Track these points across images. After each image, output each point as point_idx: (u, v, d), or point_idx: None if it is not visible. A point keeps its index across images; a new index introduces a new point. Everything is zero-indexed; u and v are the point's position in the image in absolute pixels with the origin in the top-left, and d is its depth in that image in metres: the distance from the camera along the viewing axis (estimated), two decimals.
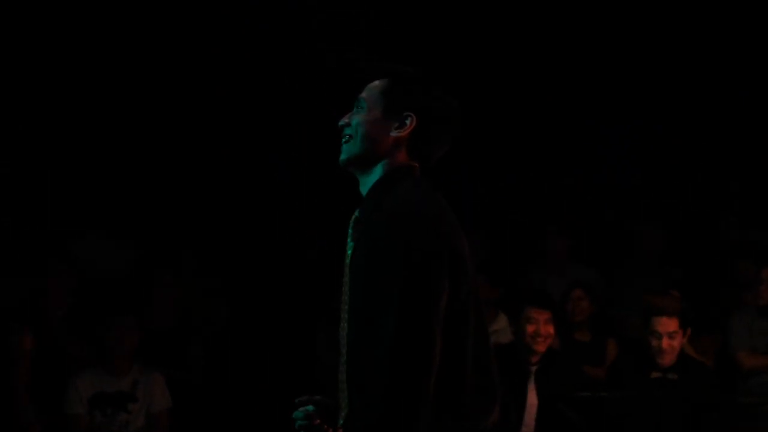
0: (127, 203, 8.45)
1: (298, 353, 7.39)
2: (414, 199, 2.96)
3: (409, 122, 3.07)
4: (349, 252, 3.00)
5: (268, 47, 8.59)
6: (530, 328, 6.46)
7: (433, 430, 2.78)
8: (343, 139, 3.13)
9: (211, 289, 7.82)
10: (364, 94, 3.15)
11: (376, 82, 3.15)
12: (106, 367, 6.55)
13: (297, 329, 7.56)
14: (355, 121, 3.12)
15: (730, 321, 7.56)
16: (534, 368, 6.52)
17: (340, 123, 3.15)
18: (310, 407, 3.06)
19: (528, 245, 9.15)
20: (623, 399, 6.04)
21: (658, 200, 9.32)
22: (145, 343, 6.69)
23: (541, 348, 6.48)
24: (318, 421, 3.03)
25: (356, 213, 3.06)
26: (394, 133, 3.08)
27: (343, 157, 3.13)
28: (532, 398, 6.49)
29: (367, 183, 3.09)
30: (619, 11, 9.25)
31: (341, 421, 2.92)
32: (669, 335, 6.49)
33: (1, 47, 8.20)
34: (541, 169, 9.49)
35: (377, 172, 3.08)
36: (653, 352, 6.52)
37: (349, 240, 3.02)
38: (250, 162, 8.79)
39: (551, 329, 6.49)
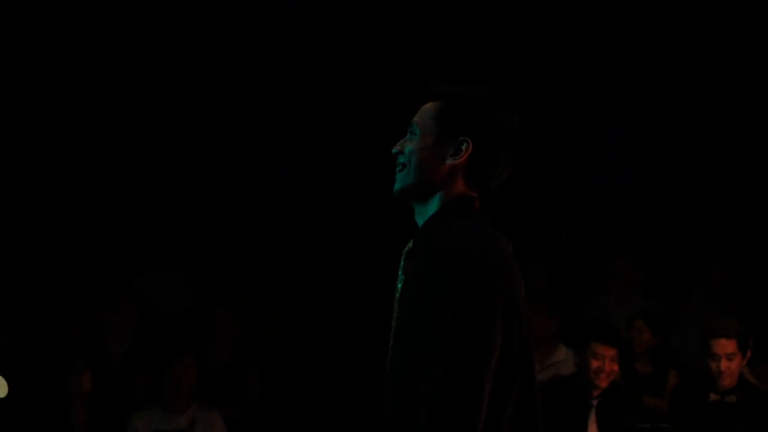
0: (184, 235, 8.49)
1: (356, 385, 7.38)
2: (472, 237, 2.78)
3: (465, 148, 2.89)
4: (399, 285, 2.87)
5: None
6: (595, 364, 6.43)
7: None
8: (397, 168, 2.96)
9: (270, 320, 7.84)
10: (416, 118, 2.97)
11: (429, 105, 2.97)
12: (164, 405, 6.59)
13: (355, 361, 7.56)
14: (408, 149, 2.94)
15: None
16: (596, 401, 6.48)
17: (393, 150, 2.98)
18: None
19: (589, 273, 9.11)
20: (684, 428, 5.98)
21: (714, 221, 9.23)
22: (203, 381, 6.71)
23: (603, 384, 6.46)
24: None
25: (410, 245, 2.90)
26: (449, 161, 2.90)
27: (397, 186, 2.96)
28: (592, 431, 6.45)
29: (423, 214, 2.92)
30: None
31: None
32: (727, 356, 6.44)
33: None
34: (598, 190, 9.43)
35: (434, 204, 2.90)
36: (713, 375, 6.46)
37: (400, 273, 2.89)
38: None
39: (616, 367, 6.47)
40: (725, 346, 6.47)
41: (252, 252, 8.54)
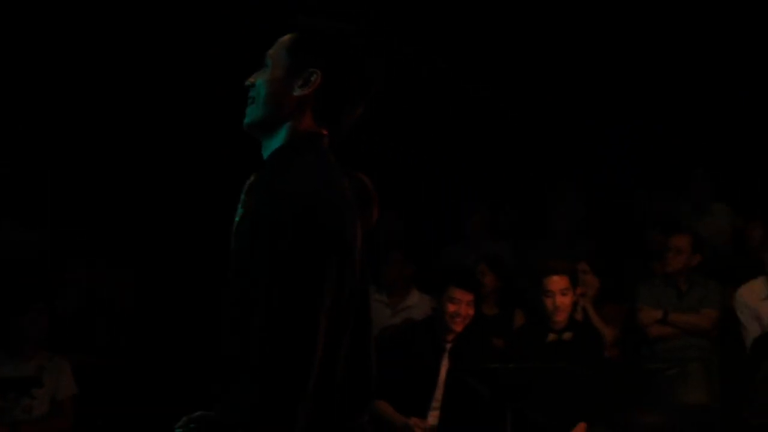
0: (37, 191, 8.37)
1: (205, 332, 7.38)
2: (311, 177, 2.71)
3: (314, 79, 2.80)
4: (237, 219, 2.80)
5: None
6: (452, 308, 6.52)
7: (307, 426, 2.60)
8: (248, 102, 2.87)
9: (120, 269, 7.79)
10: (271, 51, 2.88)
11: (285, 37, 2.88)
12: (10, 351, 6.51)
13: (203, 307, 7.55)
14: (259, 81, 2.86)
15: (637, 289, 7.67)
16: (449, 345, 6.58)
17: (246, 83, 2.89)
18: (192, 425, 2.84)
19: (443, 220, 9.21)
20: (527, 369, 6.10)
21: (572, 173, 9.41)
22: (52, 329, 6.65)
23: (459, 328, 6.56)
24: None
25: (252, 178, 2.83)
26: (297, 92, 2.81)
27: (246, 120, 2.87)
28: (443, 372, 6.55)
29: (269, 147, 2.85)
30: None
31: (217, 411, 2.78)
32: (561, 292, 6.62)
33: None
34: (459, 142, 9.53)
35: (280, 137, 2.83)
36: (548, 313, 6.63)
37: (240, 206, 2.81)
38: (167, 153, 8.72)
39: (472, 311, 6.57)
40: (558, 282, 6.65)
41: (102, 203, 8.47)
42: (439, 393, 6.56)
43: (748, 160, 9.62)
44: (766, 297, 7.15)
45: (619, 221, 9.14)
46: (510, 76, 9.50)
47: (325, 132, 2.85)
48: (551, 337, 6.68)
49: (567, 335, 6.67)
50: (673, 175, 9.41)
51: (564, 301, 6.64)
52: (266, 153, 2.85)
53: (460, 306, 6.53)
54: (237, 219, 2.81)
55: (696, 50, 9.45)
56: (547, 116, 9.61)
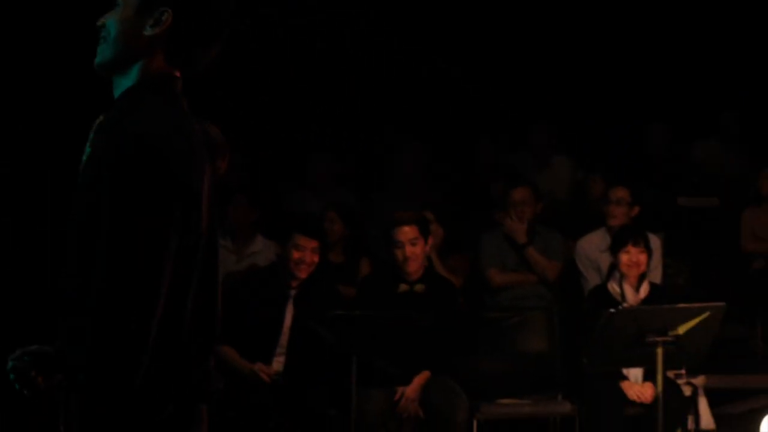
0: None
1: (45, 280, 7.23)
2: (162, 120, 2.67)
3: (165, 18, 2.75)
4: (84, 158, 2.77)
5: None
6: (296, 255, 6.52)
7: (150, 370, 2.58)
8: (100, 41, 2.82)
9: None
10: None
11: None
12: None
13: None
14: (109, 21, 2.81)
15: (480, 239, 7.76)
16: (293, 291, 6.58)
17: (97, 24, 2.83)
18: (26, 358, 2.77)
19: (288, 166, 9.18)
20: (375, 317, 6.14)
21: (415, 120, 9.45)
22: None
23: (303, 275, 6.56)
24: (33, 373, 2.76)
25: (101, 118, 2.79)
26: (148, 32, 2.76)
27: (97, 60, 2.82)
28: (288, 319, 6.56)
29: (120, 87, 2.80)
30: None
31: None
32: (411, 242, 6.65)
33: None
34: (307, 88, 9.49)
35: (131, 77, 2.78)
36: (399, 264, 6.66)
37: (87, 145, 2.78)
38: None
39: (316, 258, 6.58)
40: (407, 232, 6.68)
41: None
42: (284, 339, 6.57)
43: (589, 113, 9.80)
44: (606, 249, 7.31)
45: (463, 171, 9.22)
46: (353, 24, 9.47)
47: (177, 74, 2.82)
48: (403, 287, 6.72)
49: (419, 287, 6.72)
50: (515, 127, 9.53)
51: (414, 251, 6.67)
52: (117, 91, 2.81)
53: (305, 253, 6.53)
54: (84, 158, 2.77)
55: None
56: (391, 64, 9.61)
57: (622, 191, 7.63)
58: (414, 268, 6.70)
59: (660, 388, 5.77)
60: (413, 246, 6.66)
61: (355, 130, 9.50)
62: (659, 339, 5.71)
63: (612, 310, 6.09)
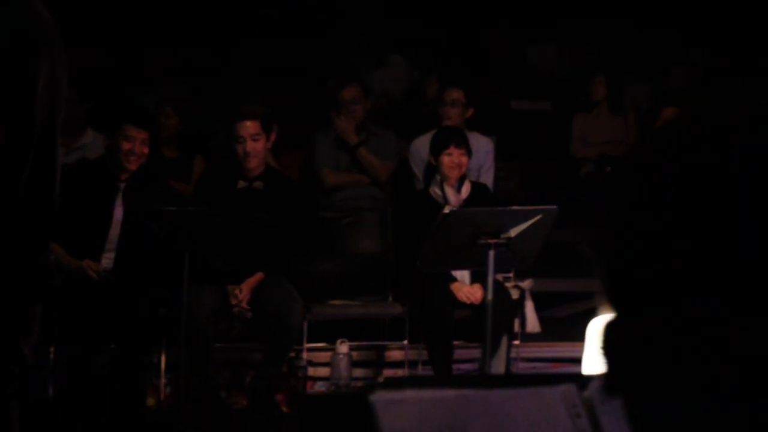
0: None
1: None
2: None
3: None
4: None
5: None
6: (126, 146, 6.38)
7: None
8: None
9: None
10: None
11: None
12: None
13: None
14: None
15: (314, 138, 7.70)
16: (123, 185, 6.44)
17: None
18: None
19: (124, 60, 8.96)
20: (210, 213, 6.05)
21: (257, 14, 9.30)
22: None
23: (133, 166, 6.42)
24: None
25: None
26: None
27: None
28: (118, 214, 6.42)
29: None
30: None
31: None
32: (252, 138, 6.56)
33: None
34: None
35: None
36: (239, 159, 6.58)
37: None
38: None
39: (146, 149, 6.44)
40: (249, 127, 6.59)
41: None
42: (113, 234, 6.43)
43: (426, 14, 9.77)
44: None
45: (299, 68, 9.12)
46: None
47: None
48: (241, 184, 6.63)
49: (258, 184, 6.63)
50: (353, 25, 9.45)
51: (255, 147, 6.58)
52: None
53: (135, 144, 6.39)
54: None
55: None
56: None
57: (456, 92, 7.64)
58: (254, 164, 6.61)
59: (489, 290, 5.83)
60: (255, 142, 6.57)
61: (192, 24, 9.30)
62: (492, 241, 5.75)
63: (446, 211, 6.11)
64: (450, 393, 1.70)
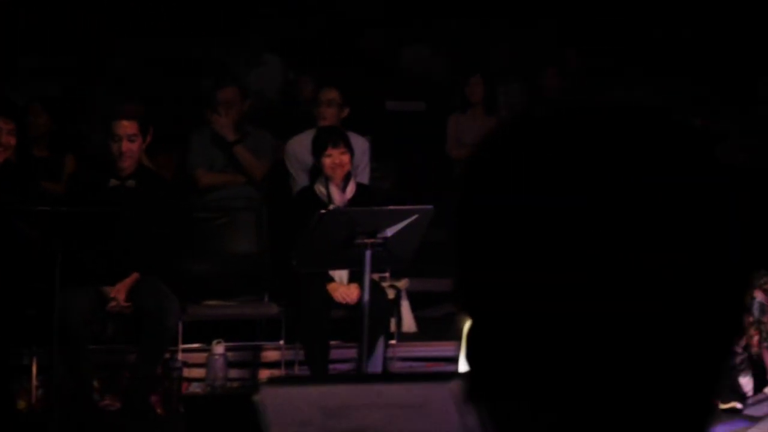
0: None
1: None
2: None
3: None
4: None
5: None
6: None
7: None
8: None
9: None
10: None
11: None
12: None
13: None
14: None
15: (189, 138, 7.63)
16: None
17: None
18: None
19: None
20: (81, 212, 5.94)
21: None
22: None
23: None
24: None
25: None
26: None
27: None
28: None
29: None
30: None
31: None
32: (129, 138, 6.46)
33: None
34: None
35: None
36: (114, 158, 6.48)
37: None
38: None
39: (13, 141, 6.33)
40: (127, 127, 6.50)
41: None
42: None
43: (299, 14, 9.74)
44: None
45: (175, 70, 9.01)
46: None
47: None
48: (113, 182, 6.52)
49: (131, 183, 6.53)
50: (228, 24, 9.37)
51: (131, 147, 6.48)
52: None
53: (0, 134, 6.27)
54: None
55: None
56: None
57: (332, 92, 7.63)
58: (128, 164, 6.52)
59: (366, 290, 5.83)
60: (131, 142, 6.48)
61: (67, 23, 9.14)
62: (368, 241, 5.76)
63: (322, 211, 6.10)
64: (337, 389, 1.69)
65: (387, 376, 1.67)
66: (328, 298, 6.52)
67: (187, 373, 6.49)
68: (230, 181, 7.55)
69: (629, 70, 10.16)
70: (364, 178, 7.51)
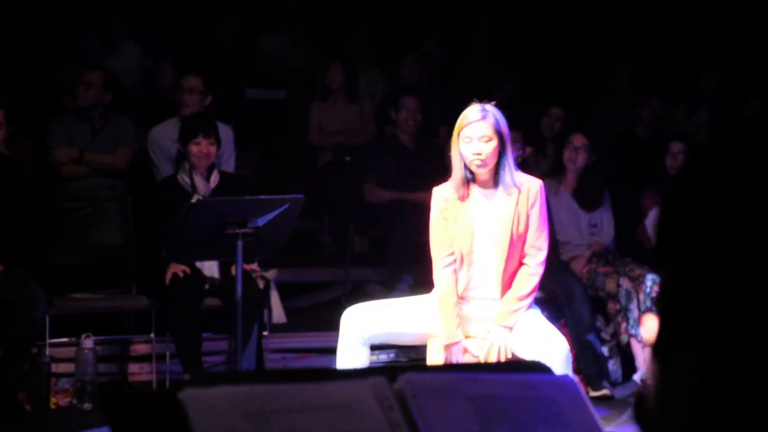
0: None
1: None
2: None
3: None
4: None
5: None
6: None
7: None
8: None
9: None
10: None
11: None
12: None
13: None
14: None
15: (50, 126, 7.46)
16: None
17: None
18: None
19: None
20: None
21: None
22: None
23: None
24: None
25: None
26: None
27: None
28: None
29: None
30: None
31: None
32: None
33: None
34: None
35: None
36: None
37: None
38: None
39: None
40: None
41: None
42: None
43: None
44: (177, 139, 7.21)
45: (30, 56, 8.78)
46: None
47: None
48: None
49: None
50: (84, 10, 9.18)
51: None
52: None
53: None
54: None
55: None
56: None
57: (194, 80, 7.56)
58: None
59: (239, 281, 5.76)
60: None
61: None
62: (239, 231, 5.69)
63: (192, 201, 6.02)
64: (260, 388, 1.66)
65: (314, 374, 1.64)
66: (198, 289, 6.44)
67: (55, 368, 6.34)
68: (93, 171, 7.41)
69: (485, 60, 10.30)
70: (230, 165, 7.45)
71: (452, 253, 5.19)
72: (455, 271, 5.19)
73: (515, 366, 2.11)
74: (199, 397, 1.64)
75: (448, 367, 3.19)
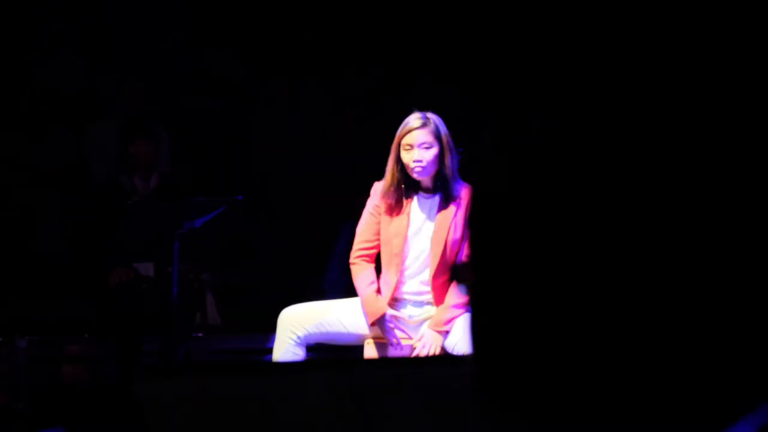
0: None
1: None
2: None
3: None
4: None
5: None
6: None
7: None
8: None
9: None
10: None
11: None
12: None
13: None
14: None
15: None
16: None
17: None
18: None
19: None
20: None
21: None
22: None
23: None
24: None
25: None
26: None
27: None
28: None
29: None
30: None
31: None
32: None
33: None
34: None
35: None
36: None
37: None
38: None
39: None
40: None
41: None
42: None
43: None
44: (116, 139, 7.20)
45: None
46: None
47: None
48: None
49: None
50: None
51: None
52: None
53: None
54: None
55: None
56: None
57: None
58: None
59: (174, 283, 5.76)
60: None
61: None
62: (177, 232, 5.69)
63: (130, 202, 6.01)
64: (211, 382, 1.68)
65: (269, 367, 1.67)
66: (140, 290, 6.41)
67: None
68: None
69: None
70: (165, 168, 7.44)
71: (373, 247, 5.26)
72: (372, 257, 5.27)
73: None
74: (153, 389, 1.65)
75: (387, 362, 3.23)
